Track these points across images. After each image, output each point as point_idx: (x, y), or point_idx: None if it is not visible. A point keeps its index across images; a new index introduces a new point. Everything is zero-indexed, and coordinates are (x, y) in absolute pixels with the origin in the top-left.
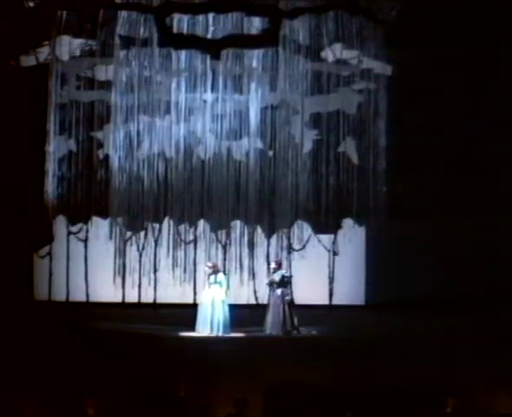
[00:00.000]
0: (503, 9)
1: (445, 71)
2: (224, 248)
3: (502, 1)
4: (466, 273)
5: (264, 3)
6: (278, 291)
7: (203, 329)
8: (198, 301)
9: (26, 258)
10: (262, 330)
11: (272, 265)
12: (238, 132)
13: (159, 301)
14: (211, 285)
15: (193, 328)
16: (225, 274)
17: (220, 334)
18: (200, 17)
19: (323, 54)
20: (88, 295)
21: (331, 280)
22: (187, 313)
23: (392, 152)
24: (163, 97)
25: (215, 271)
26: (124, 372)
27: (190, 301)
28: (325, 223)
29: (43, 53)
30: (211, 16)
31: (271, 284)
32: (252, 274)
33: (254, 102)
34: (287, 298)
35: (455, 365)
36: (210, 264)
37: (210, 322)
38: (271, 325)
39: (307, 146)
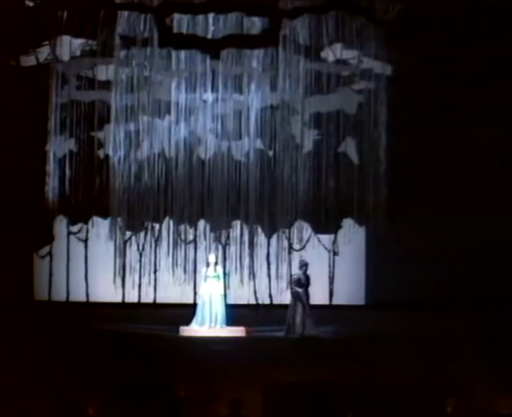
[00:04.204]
0: (503, 8)
1: (445, 71)
2: (224, 248)
3: (502, 1)
4: (466, 273)
5: (264, 3)
6: (306, 291)
7: (202, 324)
8: (197, 299)
9: (26, 258)
10: (296, 333)
11: (304, 268)
12: (238, 132)
13: (159, 301)
14: (207, 279)
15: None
16: (225, 274)
17: (218, 326)
18: (200, 17)
19: (323, 54)
20: (88, 295)
21: (331, 280)
22: (186, 313)
23: (392, 152)
24: (163, 97)
25: (215, 263)
26: (124, 372)
27: (190, 301)
28: (325, 223)
29: (43, 53)
30: (211, 16)
31: (301, 285)
32: (253, 274)
33: (254, 102)
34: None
35: (455, 365)
36: (214, 255)
37: (209, 316)
38: (309, 326)
39: (307, 146)
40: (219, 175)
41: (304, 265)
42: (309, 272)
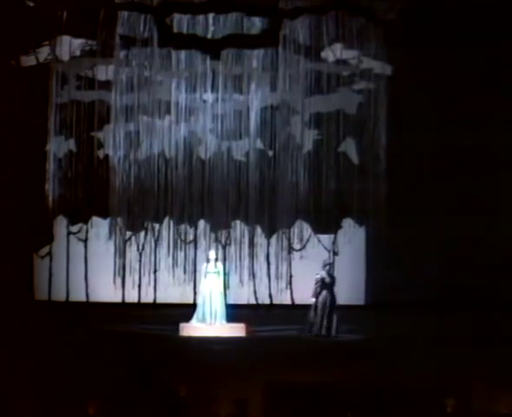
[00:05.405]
0: (503, 9)
1: (445, 71)
2: (224, 248)
3: (502, 1)
4: (466, 273)
5: (264, 3)
6: (331, 291)
7: (203, 321)
8: (197, 296)
9: (26, 258)
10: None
11: (328, 268)
12: (238, 132)
13: (159, 301)
14: (207, 275)
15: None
16: (225, 274)
17: (218, 322)
18: (200, 17)
19: (323, 54)
20: (88, 295)
21: None
22: (187, 313)
23: (392, 152)
24: (163, 97)
25: (215, 260)
26: (124, 372)
27: (190, 300)
28: (325, 223)
29: (43, 53)
30: (211, 16)
31: (325, 284)
32: (253, 274)
33: (254, 102)
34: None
35: (455, 365)
36: (214, 251)
37: (209, 313)
38: (333, 326)
39: (307, 146)
40: (219, 175)
41: (327, 264)
42: (309, 272)
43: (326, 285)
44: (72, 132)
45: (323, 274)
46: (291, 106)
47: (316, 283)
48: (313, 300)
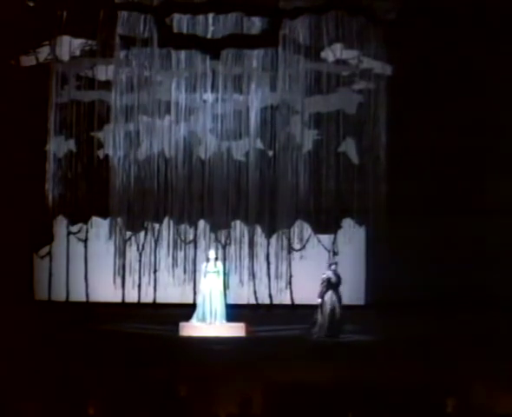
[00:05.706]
0: (502, 9)
1: (445, 71)
2: (224, 248)
3: (501, 1)
4: (466, 273)
5: (264, 3)
6: (337, 291)
7: (203, 320)
8: (197, 295)
9: (26, 258)
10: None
11: (333, 267)
12: (238, 132)
13: (159, 301)
14: (207, 274)
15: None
16: (225, 273)
17: (218, 322)
18: (200, 17)
19: (323, 54)
20: (88, 295)
21: None
22: (186, 312)
23: (392, 152)
24: (163, 97)
25: (215, 259)
26: (124, 372)
27: (190, 300)
28: (325, 223)
29: (43, 53)
30: (211, 16)
31: (331, 284)
32: (252, 274)
33: (254, 102)
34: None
35: (455, 365)
36: (214, 251)
37: (209, 312)
38: (338, 327)
39: (307, 146)
40: (219, 175)
41: (333, 264)
42: (309, 272)
43: (332, 285)
44: (72, 132)
45: (329, 273)
46: (291, 106)
47: (322, 283)
48: (319, 300)
